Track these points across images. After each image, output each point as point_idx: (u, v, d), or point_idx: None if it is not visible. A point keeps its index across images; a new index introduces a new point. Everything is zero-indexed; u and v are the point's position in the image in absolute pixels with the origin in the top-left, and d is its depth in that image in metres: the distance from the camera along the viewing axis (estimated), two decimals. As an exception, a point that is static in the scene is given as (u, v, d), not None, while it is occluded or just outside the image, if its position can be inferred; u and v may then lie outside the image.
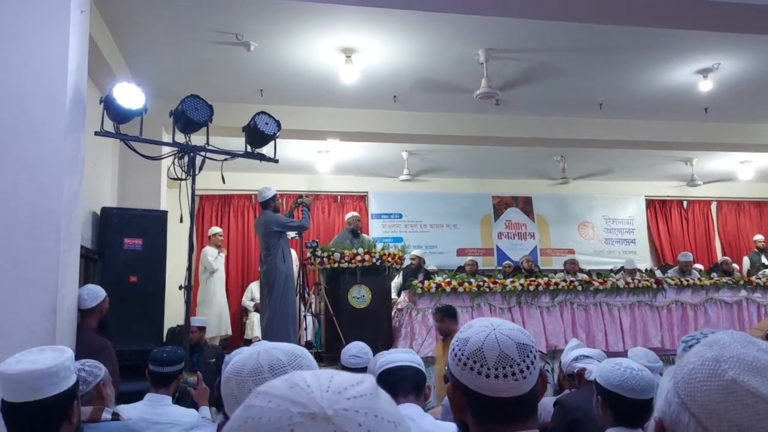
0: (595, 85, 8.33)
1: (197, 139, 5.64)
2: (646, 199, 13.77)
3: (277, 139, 5.98)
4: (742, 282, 8.83)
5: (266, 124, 5.82)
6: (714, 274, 9.24)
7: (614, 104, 8.93)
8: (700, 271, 9.84)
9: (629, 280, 8.59)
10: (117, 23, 6.35)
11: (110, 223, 6.31)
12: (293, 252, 8.30)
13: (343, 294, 7.56)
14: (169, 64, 7.33)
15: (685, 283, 8.62)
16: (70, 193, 4.24)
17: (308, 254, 7.85)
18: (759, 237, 12.21)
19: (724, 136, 10.02)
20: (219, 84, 7.72)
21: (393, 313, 7.97)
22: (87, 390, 2.68)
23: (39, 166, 4.08)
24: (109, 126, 4.99)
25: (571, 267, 10.50)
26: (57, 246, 4.01)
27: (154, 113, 5.65)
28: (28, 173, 4.06)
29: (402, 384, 2.66)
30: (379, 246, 8.14)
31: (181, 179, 5.54)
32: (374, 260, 7.65)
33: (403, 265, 8.62)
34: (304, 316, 7.75)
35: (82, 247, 4.80)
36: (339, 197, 12.45)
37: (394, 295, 8.72)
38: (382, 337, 7.31)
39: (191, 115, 5.34)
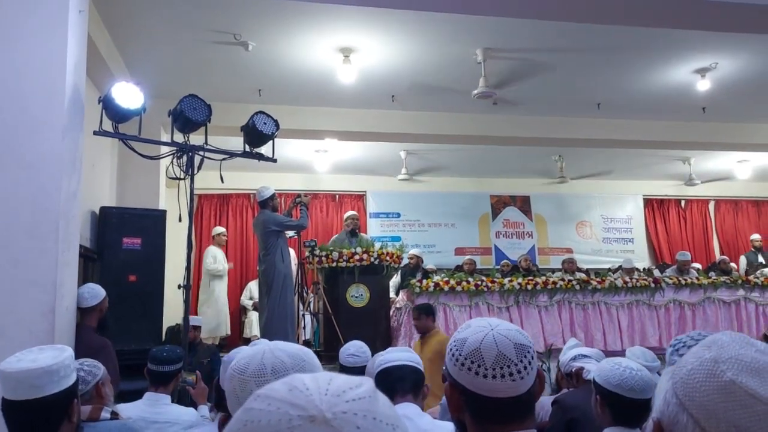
0: (593, 85, 8.33)
1: (196, 138, 5.63)
2: (644, 199, 13.79)
3: (276, 139, 5.98)
4: (740, 281, 8.84)
5: (264, 123, 5.82)
6: (712, 274, 9.24)
7: (612, 104, 8.94)
8: (698, 270, 9.85)
9: (627, 279, 8.60)
10: (115, 23, 6.34)
11: (109, 223, 6.31)
12: (292, 251, 8.30)
13: (342, 293, 7.56)
14: (167, 64, 7.32)
15: (683, 282, 8.63)
16: (69, 193, 4.24)
17: (306, 253, 7.85)
18: (756, 236, 12.24)
19: (721, 135, 10.04)
20: (217, 84, 7.71)
21: (391, 312, 7.97)
22: (86, 389, 2.68)
23: (38, 166, 4.08)
24: (107, 125, 4.99)
25: (569, 266, 10.51)
26: (56, 246, 4.01)
27: (153, 113, 5.65)
28: (27, 173, 4.06)
29: (400, 383, 2.66)
30: (378, 245, 8.15)
31: (179, 179, 5.54)
32: (372, 259, 7.65)
33: (401, 265, 8.62)
34: (303, 315, 7.75)
35: (81, 246, 4.80)
36: (337, 196, 12.46)
37: (392, 294, 8.73)
38: (381, 336, 7.32)
39: (190, 115, 5.33)
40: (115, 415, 2.59)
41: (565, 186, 12.51)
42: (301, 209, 7.48)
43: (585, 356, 3.65)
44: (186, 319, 5.46)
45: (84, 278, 5.81)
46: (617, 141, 9.96)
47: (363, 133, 9.24)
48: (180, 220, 5.48)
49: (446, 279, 7.97)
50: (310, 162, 10.93)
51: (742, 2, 5.73)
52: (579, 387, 3.50)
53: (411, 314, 6.79)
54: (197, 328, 6.46)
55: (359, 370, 3.14)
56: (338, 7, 6.02)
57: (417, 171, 11.83)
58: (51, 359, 2.05)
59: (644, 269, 11.08)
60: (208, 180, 7.19)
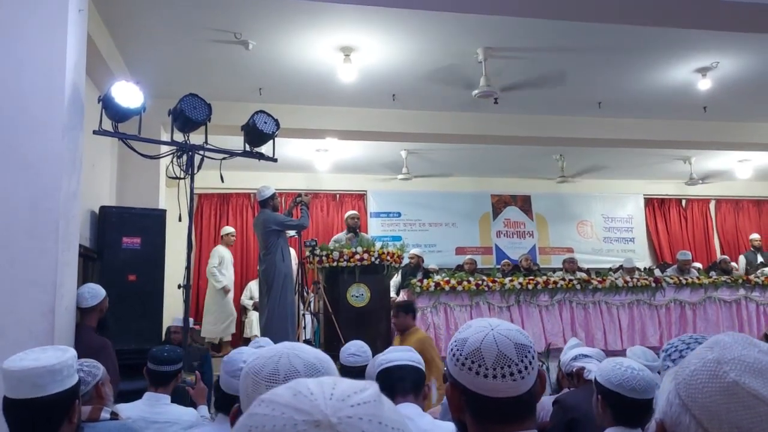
0: (594, 84, 8.33)
1: (196, 138, 5.64)
2: (644, 198, 13.78)
3: (276, 138, 5.99)
4: (740, 281, 8.83)
5: (265, 122, 5.82)
6: (713, 273, 9.24)
7: (613, 103, 8.93)
8: (698, 269, 9.84)
9: (628, 278, 8.60)
10: (115, 22, 6.34)
11: (109, 222, 6.31)
12: (292, 251, 8.30)
13: (342, 293, 7.56)
14: (167, 63, 7.32)
15: (684, 281, 8.63)
16: (69, 193, 4.24)
17: (307, 253, 7.85)
18: (755, 236, 12.24)
19: (722, 134, 10.03)
20: (218, 83, 7.71)
21: (392, 312, 7.96)
22: (86, 390, 2.68)
23: (37, 166, 4.07)
24: (107, 125, 4.99)
25: (570, 266, 10.50)
26: (55, 246, 4.01)
27: (153, 112, 5.65)
28: (27, 173, 4.05)
29: (401, 383, 2.66)
30: (378, 245, 8.14)
31: (179, 178, 5.55)
32: (373, 259, 7.64)
33: (402, 264, 8.62)
34: (303, 315, 7.74)
35: (80, 246, 4.80)
36: (338, 196, 12.46)
37: (392, 294, 8.72)
38: (381, 336, 7.32)
39: (190, 114, 5.34)
40: (114, 416, 2.58)
41: (565, 185, 12.51)
42: (301, 209, 7.48)
43: (586, 356, 3.64)
44: (186, 319, 5.46)
45: (84, 278, 5.81)
46: (618, 140, 9.95)
47: (364, 132, 9.24)
48: (180, 219, 5.48)
49: (447, 279, 7.97)
50: (311, 161, 10.93)
51: (742, 1, 5.72)
52: (580, 387, 3.50)
53: (391, 312, 6.78)
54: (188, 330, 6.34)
55: (360, 370, 3.15)
56: (339, 6, 6.02)
57: (418, 170, 11.81)
58: (54, 359, 2.07)
59: (645, 269, 11.05)
60: (208, 179, 7.18)
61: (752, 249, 11.95)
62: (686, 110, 9.28)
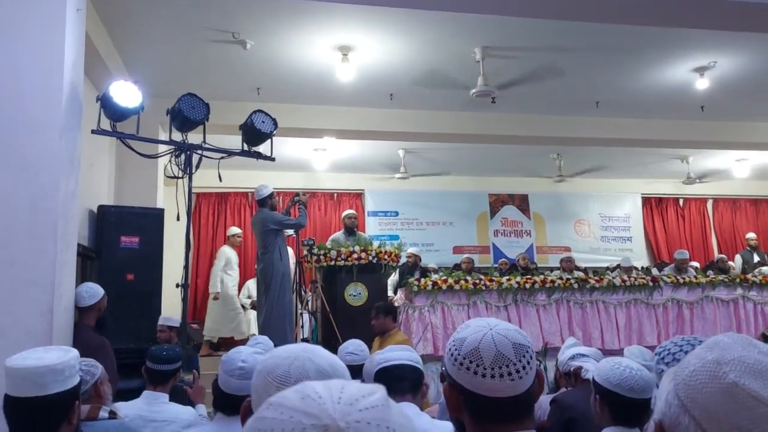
0: (592, 83, 8.33)
1: (194, 137, 5.64)
2: (642, 197, 13.80)
3: (274, 137, 5.99)
4: (738, 280, 8.84)
5: (263, 122, 5.82)
6: (710, 272, 9.25)
7: (611, 102, 8.94)
8: (696, 268, 9.85)
9: (625, 277, 8.59)
10: (113, 21, 6.33)
11: (107, 221, 6.31)
12: (290, 250, 8.30)
13: (340, 292, 7.56)
14: (165, 63, 7.31)
15: (681, 280, 8.63)
16: (67, 193, 4.23)
17: (305, 252, 7.85)
18: (751, 235, 12.26)
19: (720, 134, 10.04)
20: (216, 82, 7.70)
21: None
22: (85, 389, 2.68)
23: (36, 165, 4.07)
24: (105, 124, 4.99)
25: (568, 265, 10.51)
26: (54, 246, 4.01)
27: (151, 111, 5.64)
28: (26, 173, 4.05)
29: (399, 383, 2.65)
30: (376, 244, 8.13)
31: (177, 177, 5.55)
32: (370, 258, 7.64)
33: (400, 263, 8.61)
34: (301, 314, 7.73)
35: (79, 245, 4.80)
36: (335, 195, 12.46)
37: (390, 293, 8.72)
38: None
39: (188, 114, 5.34)
40: (113, 415, 2.59)
41: (563, 184, 12.52)
42: (299, 208, 7.48)
43: (583, 355, 3.65)
44: (184, 318, 5.46)
45: (82, 277, 5.81)
46: (616, 139, 9.96)
47: (361, 131, 9.24)
48: (178, 218, 5.49)
49: (444, 278, 7.96)
50: (309, 160, 10.93)
51: (741, 1, 5.73)
52: (577, 386, 3.51)
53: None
54: (173, 329, 6.14)
55: (358, 369, 3.15)
56: (336, 6, 6.02)
57: (415, 169, 11.81)
58: (57, 359, 2.08)
59: (642, 268, 11.06)
60: (206, 178, 7.18)
61: (748, 248, 11.97)
62: (684, 110, 9.29)
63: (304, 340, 8.27)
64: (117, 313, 5.44)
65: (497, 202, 13.08)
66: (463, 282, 7.85)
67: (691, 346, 2.26)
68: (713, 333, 8.27)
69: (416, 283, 7.76)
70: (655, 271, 10.10)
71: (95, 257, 6.33)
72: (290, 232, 7.91)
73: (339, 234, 8.54)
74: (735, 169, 12.43)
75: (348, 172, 12.02)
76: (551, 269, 10.87)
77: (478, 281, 7.95)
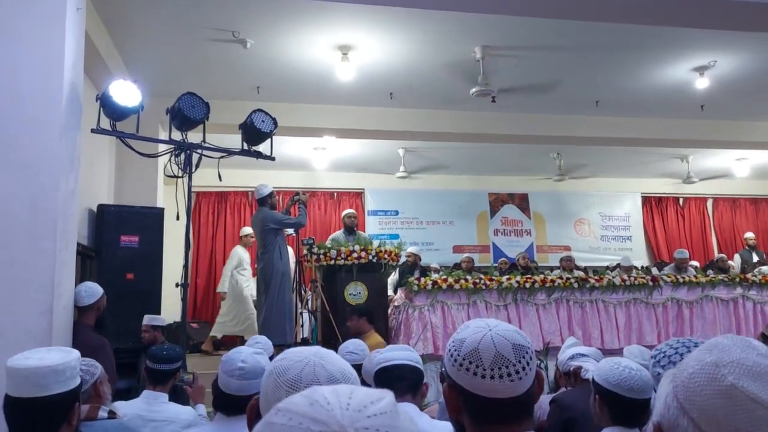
0: (592, 83, 8.33)
1: (194, 136, 5.63)
2: (642, 196, 13.80)
3: (274, 137, 5.98)
4: (738, 279, 8.84)
5: (263, 121, 5.82)
6: (710, 272, 9.24)
7: (611, 102, 8.94)
8: (696, 268, 9.85)
9: (625, 277, 8.59)
10: (113, 20, 6.33)
11: (107, 221, 6.31)
12: (290, 249, 8.30)
13: (340, 291, 7.54)
14: (165, 62, 7.31)
15: (681, 280, 8.62)
16: (67, 192, 4.23)
17: (305, 251, 7.85)
18: (750, 234, 12.26)
19: (720, 133, 10.05)
20: (215, 81, 7.70)
21: (389, 311, 7.96)
22: (84, 389, 2.68)
23: (36, 165, 4.07)
24: (105, 123, 4.99)
25: (567, 264, 10.50)
26: (54, 245, 4.01)
27: (151, 111, 5.65)
28: (25, 172, 4.05)
29: (399, 383, 2.64)
30: (376, 243, 8.12)
31: (177, 176, 5.54)
32: (370, 257, 7.62)
33: (400, 262, 8.61)
34: (301, 313, 7.73)
35: (78, 244, 4.80)
36: (335, 194, 12.46)
37: (390, 293, 8.71)
38: (379, 334, 7.30)
39: (188, 113, 5.33)
40: (112, 414, 2.58)
41: (563, 184, 12.52)
42: (299, 207, 7.48)
43: (583, 355, 3.64)
44: (184, 317, 5.45)
45: (81, 276, 5.81)
46: (615, 139, 9.96)
47: (361, 130, 9.24)
48: (178, 218, 5.49)
49: (444, 277, 7.96)
50: (309, 159, 10.93)
51: (741, 0, 5.73)
52: (577, 386, 3.50)
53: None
54: (157, 329, 5.90)
55: (356, 368, 3.14)
56: (336, 5, 6.02)
57: (415, 169, 11.82)
58: (58, 359, 2.07)
59: (642, 267, 11.05)
60: (206, 178, 7.18)
61: (747, 247, 11.97)
62: (684, 109, 9.29)
63: (303, 339, 8.27)
64: (116, 312, 5.44)
65: (497, 202, 13.09)
66: (463, 281, 7.85)
67: (687, 348, 2.26)
68: (713, 332, 8.29)
69: (416, 282, 7.76)
70: (654, 271, 10.10)
71: (95, 256, 6.33)
72: (290, 231, 7.91)
73: (339, 233, 8.52)
74: (735, 169, 12.44)
75: (348, 171, 12.02)
76: (551, 269, 10.86)
77: (478, 280, 7.94)
